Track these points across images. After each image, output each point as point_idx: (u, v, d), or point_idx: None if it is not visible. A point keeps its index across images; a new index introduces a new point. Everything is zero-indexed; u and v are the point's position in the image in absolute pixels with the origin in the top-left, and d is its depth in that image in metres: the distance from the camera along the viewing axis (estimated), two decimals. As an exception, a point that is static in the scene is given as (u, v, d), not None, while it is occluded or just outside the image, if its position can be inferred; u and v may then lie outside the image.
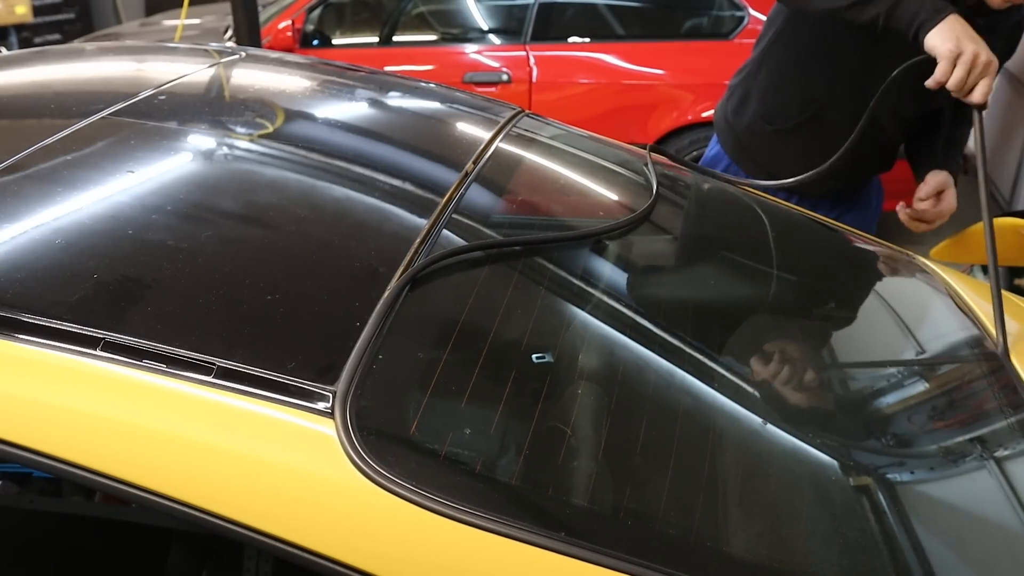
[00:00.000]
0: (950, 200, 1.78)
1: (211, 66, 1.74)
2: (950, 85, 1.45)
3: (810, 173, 1.73)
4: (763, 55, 1.95)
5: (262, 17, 4.19)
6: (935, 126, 1.87)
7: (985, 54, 1.44)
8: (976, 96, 1.46)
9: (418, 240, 1.13)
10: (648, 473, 0.97)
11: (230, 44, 4.06)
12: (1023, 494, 1.10)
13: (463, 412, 0.96)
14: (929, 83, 1.48)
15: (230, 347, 0.91)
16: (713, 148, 2.15)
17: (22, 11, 6.62)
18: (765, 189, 1.86)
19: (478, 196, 1.35)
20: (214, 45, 2.38)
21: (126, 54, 2.09)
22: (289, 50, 4.14)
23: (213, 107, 1.56)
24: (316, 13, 4.36)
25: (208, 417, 0.88)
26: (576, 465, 0.96)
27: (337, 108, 1.65)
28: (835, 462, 1.12)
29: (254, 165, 1.34)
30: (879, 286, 1.65)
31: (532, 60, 4.12)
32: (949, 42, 1.43)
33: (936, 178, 1.78)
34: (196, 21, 5.20)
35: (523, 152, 1.61)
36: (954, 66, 1.43)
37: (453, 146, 1.53)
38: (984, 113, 1.47)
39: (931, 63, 1.47)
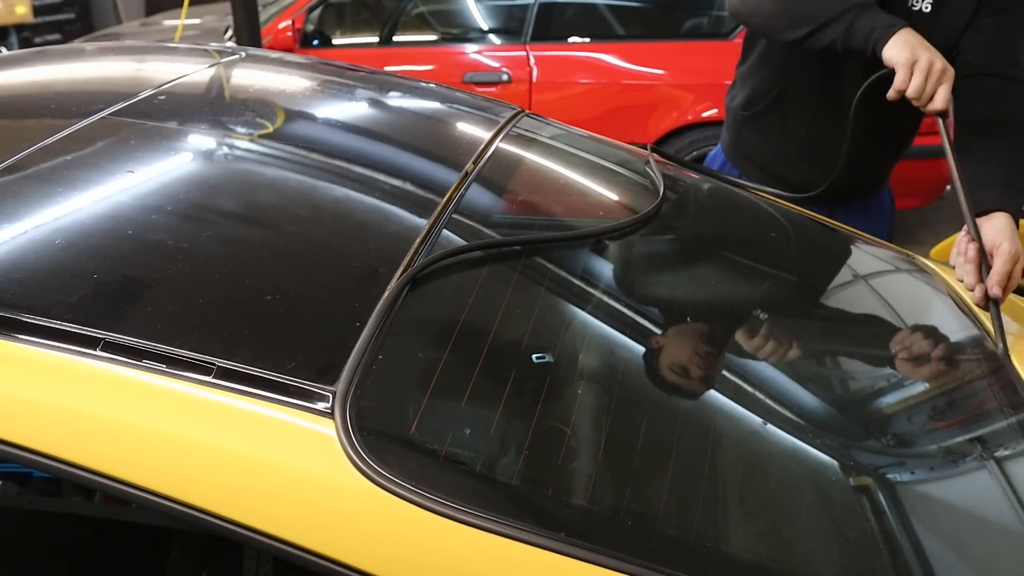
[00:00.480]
0: (1006, 253, 1.45)
1: (211, 66, 1.74)
2: (909, 92, 1.49)
3: (822, 187, 1.77)
4: (744, 48, 2.01)
5: (262, 17, 4.19)
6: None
7: (940, 62, 1.48)
8: (937, 103, 1.49)
9: (418, 240, 1.13)
10: (648, 473, 0.97)
11: (230, 44, 4.06)
12: (1023, 494, 1.10)
13: (463, 412, 0.96)
14: (890, 94, 1.51)
15: (230, 347, 0.91)
16: (715, 148, 2.18)
17: (22, 11, 6.62)
18: (779, 198, 1.88)
19: (478, 196, 1.35)
20: (214, 45, 2.38)
21: (126, 54, 2.09)
22: (289, 50, 4.14)
23: (213, 107, 1.56)
24: (316, 13, 4.36)
25: (208, 417, 0.88)
26: (576, 465, 0.96)
27: (337, 108, 1.66)
28: (835, 462, 1.12)
29: (254, 165, 1.34)
30: (879, 286, 1.65)
31: (532, 60, 4.12)
32: (904, 51, 1.48)
33: (990, 230, 1.49)
34: (196, 21, 5.20)
35: (523, 152, 1.61)
36: (912, 74, 1.47)
37: (453, 146, 1.53)
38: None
39: (891, 76, 1.51)
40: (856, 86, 1.72)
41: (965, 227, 1.53)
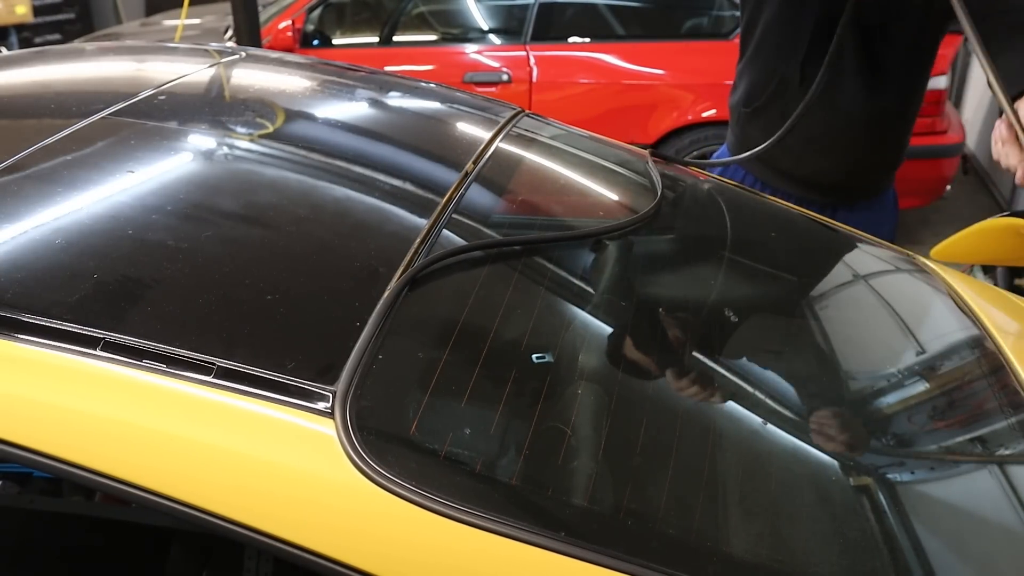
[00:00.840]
0: None
1: (211, 66, 1.74)
2: None
3: (771, 142, 1.77)
4: (741, 43, 2.01)
5: (262, 17, 4.20)
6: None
7: None
8: None
9: (418, 240, 1.13)
10: (648, 473, 0.97)
11: (230, 44, 4.06)
12: (1023, 494, 1.10)
13: (463, 412, 0.96)
14: None
15: (230, 347, 0.91)
16: (720, 148, 2.19)
17: (22, 11, 6.63)
18: (735, 162, 1.89)
19: (478, 196, 1.35)
20: (214, 45, 2.38)
21: (126, 54, 2.09)
22: (289, 50, 4.14)
23: (213, 107, 1.56)
24: (316, 13, 4.36)
25: (208, 417, 0.88)
26: (576, 465, 0.96)
27: (337, 108, 1.66)
28: (835, 462, 1.12)
29: (254, 165, 1.34)
30: (879, 286, 1.65)
31: (532, 60, 4.13)
32: None
33: None
34: (196, 21, 5.21)
35: (523, 152, 1.61)
36: None
37: (453, 146, 1.53)
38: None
39: None
40: (851, 70, 1.72)
41: (1003, 115, 1.45)
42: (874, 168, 2.02)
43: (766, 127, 1.98)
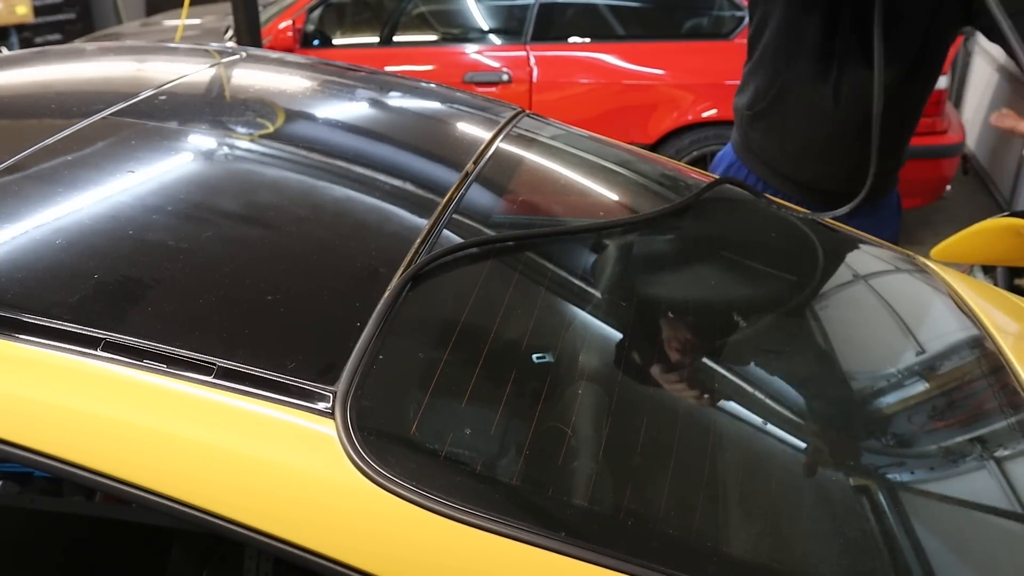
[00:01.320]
0: None
1: (212, 66, 1.74)
2: None
3: (861, 194, 1.79)
4: (748, 47, 2.03)
5: (263, 17, 4.19)
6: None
7: None
8: None
9: (418, 240, 1.13)
10: (648, 473, 0.97)
11: (231, 44, 4.06)
12: (1023, 494, 1.10)
13: (463, 412, 0.96)
14: None
15: (230, 347, 0.91)
16: (726, 147, 2.20)
17: (23, 11, 6.63)
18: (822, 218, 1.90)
19: (479, 196, 1.35)
20: (215, 45, 2.38)
21: (126, 54, 2.09)
22: (289, 50, 4.14)
23: (214, 107, 1.56)
24: (316, 13, 4.36)
25: (208, 417, 0.88)
26: (576, 465, 0.96)
27: (337, 108, 1.66)
28: (836, 462, 1.12)
29: (255, 165, 1.34)
30: (879, 286, 1.65)
31: (532, 60, 4.13)
32: None
33: None
34: (196, 21, 5.20)
35: (523, 152, 1.61)
36: None
37: (453, 146, 1.53)
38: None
39: None
40: (851, 81, 1.73)
41: None
42: (873, 174, 2.02)
43: (767, 130, 1.99)
